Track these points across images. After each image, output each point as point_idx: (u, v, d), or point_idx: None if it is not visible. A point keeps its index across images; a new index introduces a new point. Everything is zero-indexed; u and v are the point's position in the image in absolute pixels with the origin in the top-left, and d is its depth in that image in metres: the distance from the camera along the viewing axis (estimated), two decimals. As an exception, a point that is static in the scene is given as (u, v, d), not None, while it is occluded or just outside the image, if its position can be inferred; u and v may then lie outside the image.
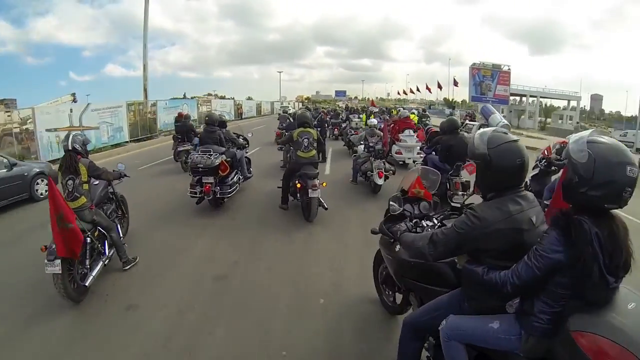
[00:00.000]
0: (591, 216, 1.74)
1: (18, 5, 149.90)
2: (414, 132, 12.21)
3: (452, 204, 3.26)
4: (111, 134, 17.03)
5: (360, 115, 18.03)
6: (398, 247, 3.02)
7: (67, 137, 4.59)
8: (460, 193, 6.87)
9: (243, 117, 37.85)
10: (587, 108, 58.46)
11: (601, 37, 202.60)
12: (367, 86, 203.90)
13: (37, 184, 8.51)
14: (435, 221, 3.09)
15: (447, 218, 3.12)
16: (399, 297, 3.66)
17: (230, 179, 7.48)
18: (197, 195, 7.06)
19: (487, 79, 41.30)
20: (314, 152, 7.04)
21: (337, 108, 36.00)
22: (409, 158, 11.82)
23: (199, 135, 8.62)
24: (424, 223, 3.08)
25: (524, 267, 1.83)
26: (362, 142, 9.74)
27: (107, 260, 4.72)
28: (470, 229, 2.07)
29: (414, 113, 17.69)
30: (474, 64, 41.80)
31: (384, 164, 8.68)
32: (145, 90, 21.78)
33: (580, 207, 1.80)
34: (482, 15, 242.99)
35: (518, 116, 49.48)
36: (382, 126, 10.88)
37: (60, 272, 3.82)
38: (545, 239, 1.80)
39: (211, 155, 7.18)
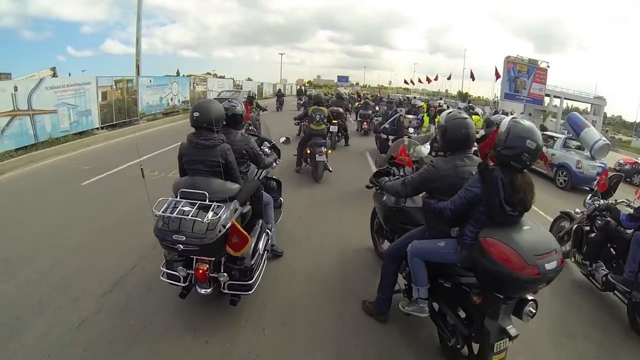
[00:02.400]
0: (502, 167, 2.73)
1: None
2: None
3: None
4: (74, 119, 13.00)
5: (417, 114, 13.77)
6: (385, 197, 4.26)
7: None
8: None
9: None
10: (589, 110, 54.57)
11: (603, 40, 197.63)
12: (368, 73, 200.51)
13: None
14: None
15: None
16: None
17: (248, 253, 3.55)
18: (181, 284, 3.43)
19: (523, 75, 36.58)
20: (324, 126, 8.74)
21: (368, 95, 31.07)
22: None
23: (179, 154, 3.82)
24: None
25: (457, 198, 2.85)
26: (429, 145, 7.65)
27: None
28: (428, 173, 3.20)
29: (477, 114, 13.45)
30: (509, 57, 36.98)
31: None
32: (137, 66, 18.69)
33: (497, 160, 2.81)
34: (489, 10, 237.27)
35: (544, 117, 45.27)
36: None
37: None
38: (471, 179, 2.84)
39: (207, 209, 3.27)
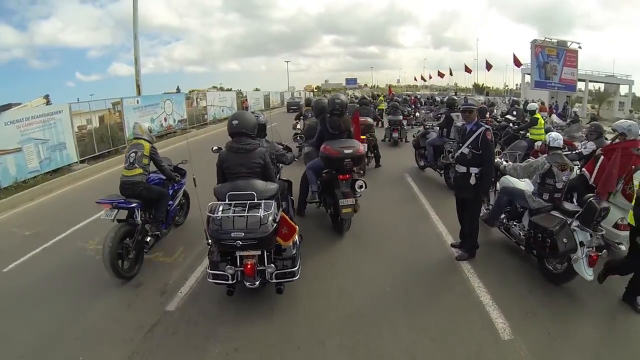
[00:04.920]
0: (329, 115, 5.88)
1: (19, 10, 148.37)
2: None
3: None
4: (46, 155, 10.79)
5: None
6: (305, 149, 7.01)
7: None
8: None
9: (249, 111, 30.57)
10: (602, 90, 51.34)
11: (609, 18, 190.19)
12: (375, 73, 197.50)
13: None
14: None
15: None
16: None
17: (292, 243, 3.97)
18: (229, 282, 3.74)
19: (552, 59, 32.79)
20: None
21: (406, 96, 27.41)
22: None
23: (220, 161, 4.26)
24: None
25: (315, 135, 6.09)
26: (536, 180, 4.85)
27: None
28: (308, 128, 7.38)
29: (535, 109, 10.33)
30: (536, 40, 33.36)
31: (599, 238, 4.11)
32: (138, 86, 18.44)
33: (328, 111, 5.95)
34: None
35: (571, 104, 41.95)
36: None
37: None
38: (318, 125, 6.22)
39: (258, 207, 3.68)
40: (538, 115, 9.70)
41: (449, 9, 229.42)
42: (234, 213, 3.58)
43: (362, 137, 8.93)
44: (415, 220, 6.48)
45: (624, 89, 49.50)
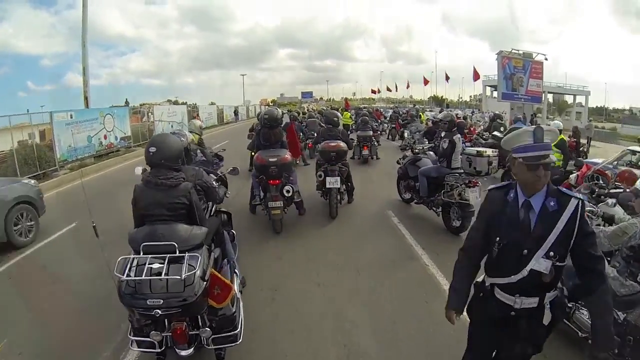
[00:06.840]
0: (264, 128, 6.92)
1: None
2: None
3: None
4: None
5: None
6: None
7: None
8: None
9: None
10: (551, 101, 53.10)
11: (557, 32, 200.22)
12: (331, 87, 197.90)
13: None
14: None
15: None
16: None
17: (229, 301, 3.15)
18: (156, 350, 2.97)
19: (519, 70, 32.55)
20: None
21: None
22: None
23: (134, 199, 3.19)
24: None
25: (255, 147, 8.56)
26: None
27: None
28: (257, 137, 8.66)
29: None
30: (502, 51, 33.05)
31: None
32: (85, 98, 16.89)
33: (260, 125, 7.56)
34: (443, 13, 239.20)
35: (534, 113, 42.25)
36: None
37: None
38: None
39: (178, 261, 2.83)
40: (563, 137, 8.24)
41: (404, 25, 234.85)
42: (150, 273, 2.72)
43: (330, 168, 7.13)
44: (423, 300, 4.31)
45: (579, 100, 51.23)
